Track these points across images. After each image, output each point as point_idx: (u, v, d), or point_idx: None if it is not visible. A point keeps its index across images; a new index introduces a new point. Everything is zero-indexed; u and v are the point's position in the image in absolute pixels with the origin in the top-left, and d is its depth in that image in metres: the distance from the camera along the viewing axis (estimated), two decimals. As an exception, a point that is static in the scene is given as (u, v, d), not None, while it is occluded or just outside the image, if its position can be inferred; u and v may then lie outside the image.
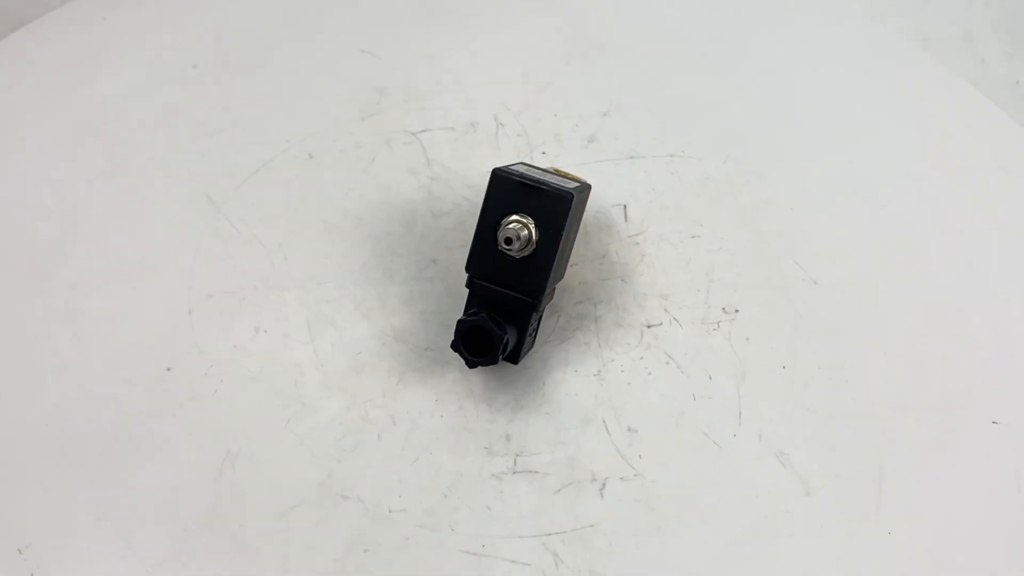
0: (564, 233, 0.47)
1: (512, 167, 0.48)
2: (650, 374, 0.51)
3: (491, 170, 0.47)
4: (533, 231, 0.46)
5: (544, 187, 0.46)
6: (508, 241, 0.46)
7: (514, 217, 0.47)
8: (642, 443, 0.49)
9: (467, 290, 0.53)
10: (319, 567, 0.46)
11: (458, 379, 0.51)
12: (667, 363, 0.52)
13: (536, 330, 0.51)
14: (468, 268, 0.48)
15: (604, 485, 0.48)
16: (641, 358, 0.52)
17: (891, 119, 0.61)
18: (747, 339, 0.53)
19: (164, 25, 0.66)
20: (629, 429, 0.49)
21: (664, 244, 0.57)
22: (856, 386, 0.51)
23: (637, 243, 0.57)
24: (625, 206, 0.58)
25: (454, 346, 0.47)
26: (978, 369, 0.51)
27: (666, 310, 0.54)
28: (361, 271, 0.55)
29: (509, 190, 0.47)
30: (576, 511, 0.47)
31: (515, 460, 0.48)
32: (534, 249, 0.46)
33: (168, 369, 0.51)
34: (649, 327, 0.53)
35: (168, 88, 0.62)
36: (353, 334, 0.52)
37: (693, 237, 0.57)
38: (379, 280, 0.55)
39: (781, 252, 0.56)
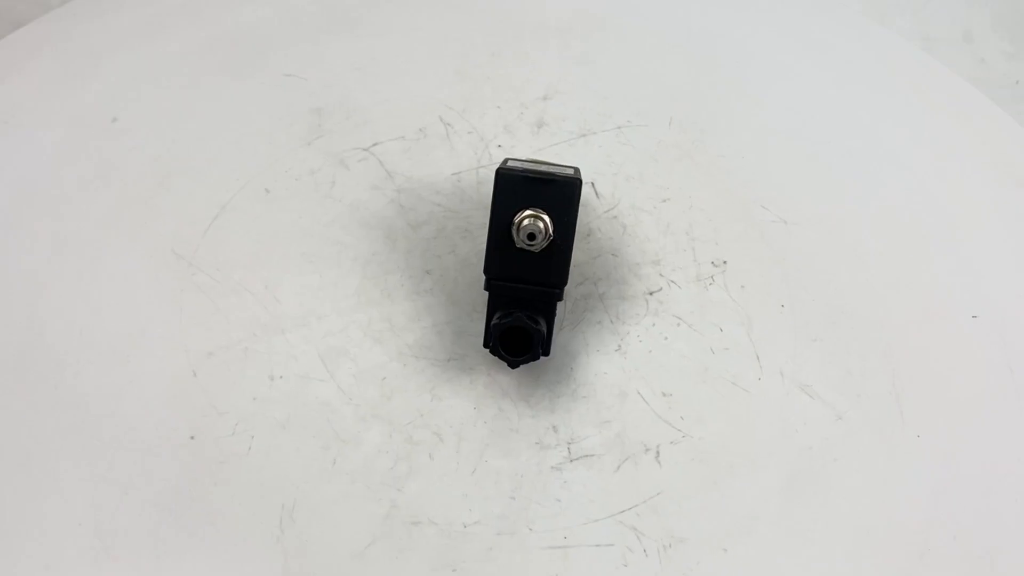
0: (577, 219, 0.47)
1: (508, 164, 0.49)
2: (666, 338, 0.53)
3: (495, 171, 0.47)
4: (548, 222, 0.47)
5: (552, 177, 0.47)
6: (532, 237, 0.46)
7: (528, 212, 0.47)
8: (679, 405, 0.51)
9: (472, 294, 0.53)
10: (406, 598, 0.46)
11: (489, 383, 0.51)
12: (678, 324, 0.54)
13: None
14: (487, 271, 0.48)
15: (658, 453, 0.49)
16: (653, 325, 0.54)
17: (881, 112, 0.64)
18: (742, 287, 0.55)
19: (73, 80, 0.62)
20: (663, 394, 0.51)
21: (640, 213, 0.58)
22: (850, 310, 0.55)
23: (615, 216, 0.58)
24: (593, 183, 0.59)
25: (494, 351, 0.47)
26: (950, 269, 0.56)
27: (661, 275, 0.56)
28: (358, 296, 0.54)
29: (516, 187, 0.47)
30: (639, 483, 0.48)
31: (568, 448, 0.49)
32: (552, 240, 0.47)
33: (192, 437, 0.49)
34: (651, 294, 0.55)
35: (93, 145, 0.59)
36: (371, 360, 0.52)
37: (664, 201, 0.59)
38: (379, 301, 0.54)
39: (747, 200, 0.59)
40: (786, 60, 0.67)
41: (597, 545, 0.46)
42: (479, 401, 0.50)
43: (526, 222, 0.46)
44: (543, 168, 0.48)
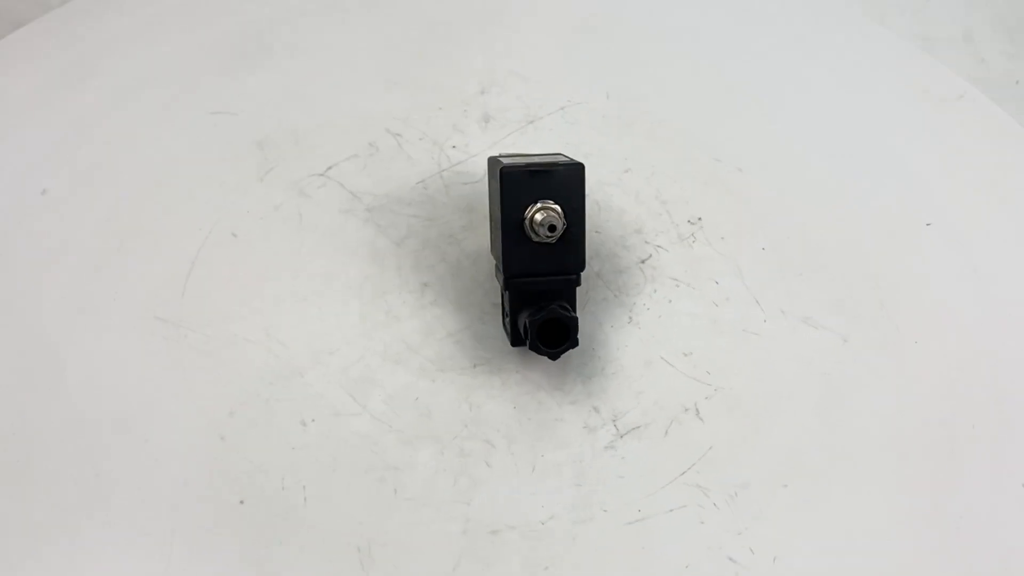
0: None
1: (503, 162, 0.49)
2: (670, 301, 0.55)
3: (499, 172, 0.47)
4: (560, 211, 0.47)
5: (555, 167, 0.47)
6: (552, 228, 0.47)
7: (538, 206, 0.47)
8: (702, 361, 0.53)
9: (475, 297, 0.53)
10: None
11: (521, 380, 0.51)
12: (677, 286, 0.55)
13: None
14: (506, 270, 0.48)
15: (697, 411, 0.51)
16: (655, 291, 0.55)
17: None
18: (722, 238, 0.58)
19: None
20: (684, 354, 0.53)
21: (608, 187, 0.60)
22: (820, 240, 0.58)
23: (586, 194, 0.59)
24: (555, 167, 0.60)
25: (533, 347, 0.47)
26: (901, 184, 0.60)
27: (647, 242, 0.57)
28: (364, 323, 0.53)
29: (522, 182, 0.47)
30: (689, 443, 0.50)
31: (615, 425, 0.50)
32: (565, 227, 0.48)
33: (241, 502, 0.46)
34: (643, 262, 0.56)
35: (27, 225, 0.54)
36: (397, 383, 0.51)
37: (626, 172, 0.60)
38: (387, 323, 0.53)
39: (700, 156, 0.62)
40: (737, 33, 0.69)
41: (670, 510, 0.48)
42: (516, 400, 0.50)
43: (540, 216, 0.47)
44: (542, 159, 0.48)
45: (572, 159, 0.48)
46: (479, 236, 0.56)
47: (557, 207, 0.47)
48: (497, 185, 0.48)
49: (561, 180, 0.47)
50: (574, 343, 0.47)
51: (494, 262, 0.53)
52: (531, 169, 0.47)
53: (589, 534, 0.46)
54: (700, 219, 0.58)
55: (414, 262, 0.55)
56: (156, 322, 0.51)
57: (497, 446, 0.48)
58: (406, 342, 0.52)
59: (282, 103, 0.61)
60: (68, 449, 0.47)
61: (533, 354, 0.49)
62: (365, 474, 0.47)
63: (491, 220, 0.51)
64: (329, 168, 0.58)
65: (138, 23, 0.63)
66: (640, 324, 0.53)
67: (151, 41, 0.63)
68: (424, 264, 0.55)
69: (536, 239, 0.47)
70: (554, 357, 0.48)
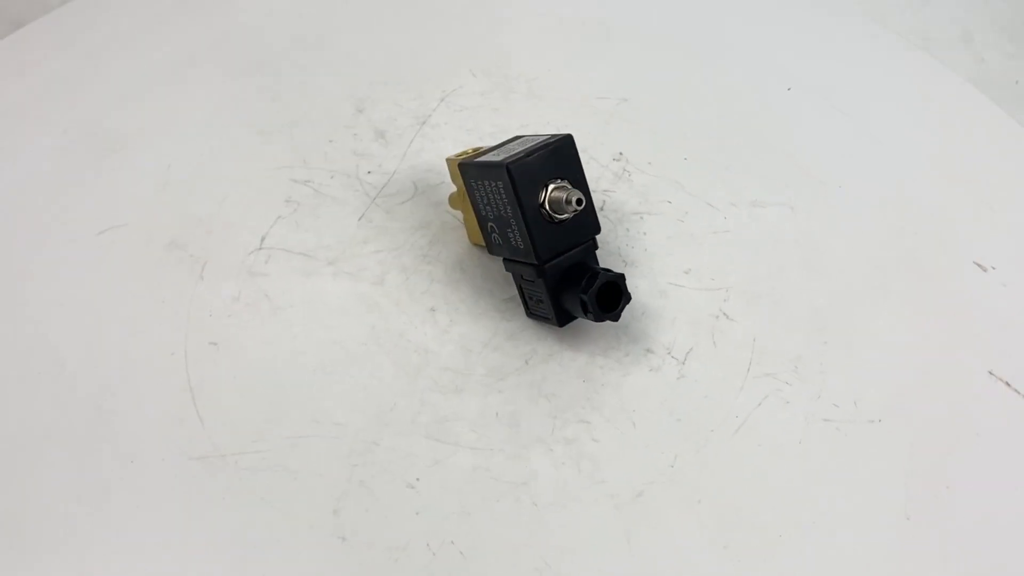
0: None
1: (491, 158, 0.49)
2: (645, 234, 0.58)
3: (504, 168, 0.47)
4: (570, 184, 0.48)
5: (548, 145, 0.48)
6: (579, 201, 0.47)
7: (551, 187, 0.48)
8: (704, 272, 0.56)
9: (484, 300, 0.53)
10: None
11: (572, 355, 0.52)
12: (642, 218, 0.59)
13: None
14: (540, 258, 0.48)
15: (726, 314, 0.55)
16: (628, 230, 0.58)
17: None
18: (649, 163, 0.61)
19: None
20: (685, 272, 0.56)
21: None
22: (731, 134, 0.63)
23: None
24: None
25: (596, 317, 0.48)
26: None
27: (593, 190, 0.60)
28: (399, 373, 0.51)
29: (528, 171, 0.48)
30: (738, 343, 0.53)
31: (672, 357, 0.53)
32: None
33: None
34: (602, 209, 0.59)
35: None
36: (470, 409, 0.50)
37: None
38: (422, 363, 0.51)
39: (583, 98, 0.65)
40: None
41: (758, 405, 0.51)
42: (581, 374, 0.51)
43: (558, 194, 0.47)
44: (528, 143, 0.49)
45: (554, 134, 0.49)
46: (452, 244, 0.55)
47: (565, 183, 0.48)
48: (499, 182, 0.47)
49: (556, 156, 0.48)
50: (628, 298, 0.49)
51: (495, 259, 0.52)
52: (531, 155, 0.47)
53: (712, 455, 0.49)
54: (621, 154, 0.61)
55: (407, 295, 0.53)
56: (189, 462, 0.46)
57: (592, 421, 0.49)
58: (452, 370, 0.50)
59: (165, 194, 0.56)
60: None
61: (569, 329, 0.51)
62: (499, 502, 0.46)
63: (478, 219, 0.51)
64: (262, 243, 0.54)
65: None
66: (635, 263, 0.56)
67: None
68: (418, 291, 0.53)
69: (559, 218, 0.47)
70: (616, 318, 0.49)
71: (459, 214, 0.54)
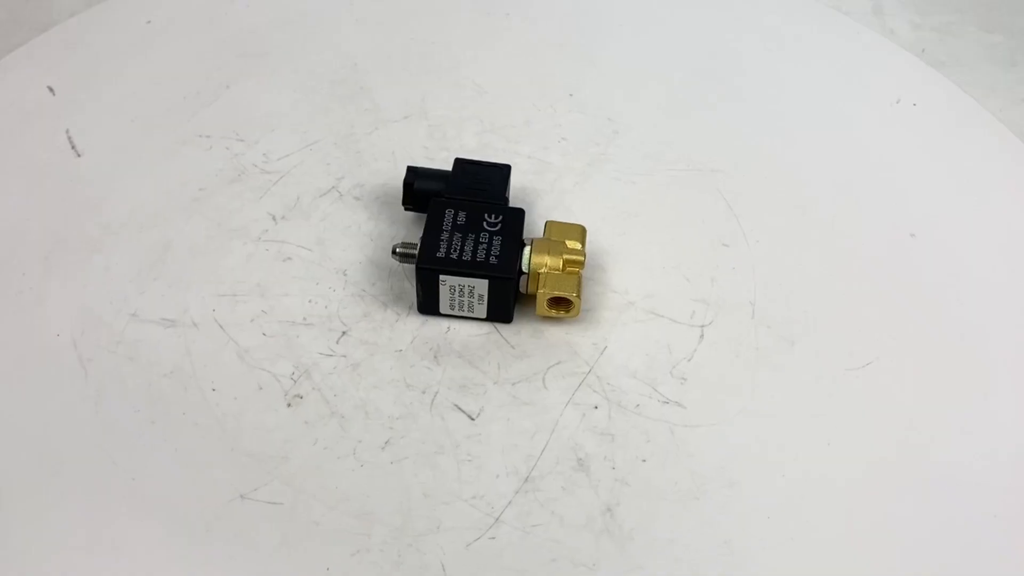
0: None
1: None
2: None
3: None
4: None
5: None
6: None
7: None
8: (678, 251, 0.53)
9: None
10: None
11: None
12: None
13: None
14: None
15: (715, 280, 0.52)
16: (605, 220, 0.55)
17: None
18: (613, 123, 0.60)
19: None
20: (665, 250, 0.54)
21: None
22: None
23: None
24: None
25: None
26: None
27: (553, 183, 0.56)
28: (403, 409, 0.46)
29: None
30: (730, 296, 0.51)
31: (699, 328, 0.50)
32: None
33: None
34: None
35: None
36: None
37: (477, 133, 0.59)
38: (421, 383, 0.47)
39: (464, 82, 0.61)
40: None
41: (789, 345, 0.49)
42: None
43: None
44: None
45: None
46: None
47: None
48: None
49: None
50: None
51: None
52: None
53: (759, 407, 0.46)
54: (564, 140, 0.59)
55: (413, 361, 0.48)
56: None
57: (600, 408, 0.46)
58: (474, 402, 0.46)
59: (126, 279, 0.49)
60: None
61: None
62: (565, 514, 0.41)
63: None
64: (232, 311, 0.48)
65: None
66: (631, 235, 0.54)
67: None
68: (422, 343, 0.49)
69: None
70: None
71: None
